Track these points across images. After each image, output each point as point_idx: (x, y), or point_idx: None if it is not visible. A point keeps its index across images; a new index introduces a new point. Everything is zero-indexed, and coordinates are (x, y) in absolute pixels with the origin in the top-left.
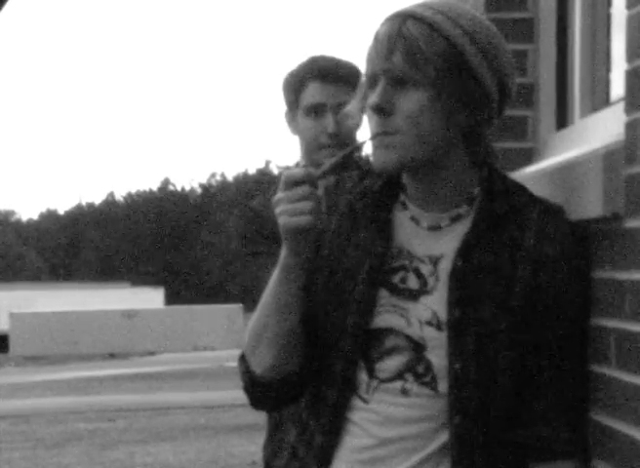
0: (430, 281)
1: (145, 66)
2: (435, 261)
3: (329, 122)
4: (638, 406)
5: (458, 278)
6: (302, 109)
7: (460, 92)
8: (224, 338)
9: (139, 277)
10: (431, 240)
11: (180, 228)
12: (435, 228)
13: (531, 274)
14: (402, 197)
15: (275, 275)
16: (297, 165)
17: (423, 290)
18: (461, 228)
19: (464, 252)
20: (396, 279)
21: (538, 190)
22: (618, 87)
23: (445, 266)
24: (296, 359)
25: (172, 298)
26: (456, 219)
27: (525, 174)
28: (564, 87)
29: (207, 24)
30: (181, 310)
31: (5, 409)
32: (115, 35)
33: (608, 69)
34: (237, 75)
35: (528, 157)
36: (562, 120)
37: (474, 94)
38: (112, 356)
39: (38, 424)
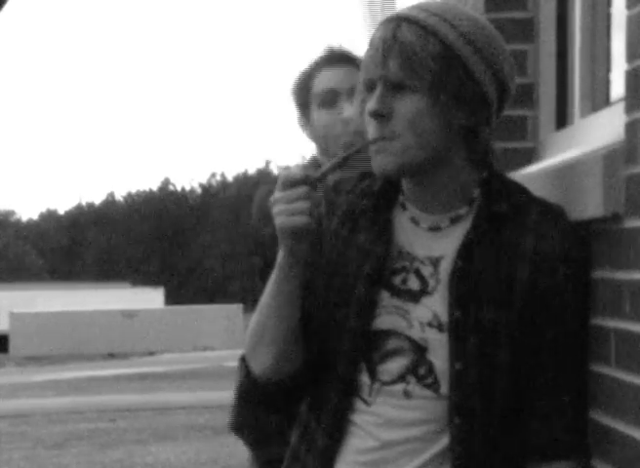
0: (431, 282)
1: (145, 66)
2: (435, 262)
3: (343, 107)
4: (638, 406)
5: (458, 279)
6: (315, 102)
7: (457, 93)
8: (224, 338)
9: (139, 277)
10: (431, 241)
11: (179, 228)
12: (435, 229)
13: (531, 274)
14: (401, 198)
15: (273, 275)
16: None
17: (424, 291)
18: (461, 229)
19: (464, 252)
20: (397, 280)
21: (538, 190)
22: (618, 87)
23: (445, 267)
24: (295, 360)
25: (172, 298)
26: (455, 220)
27: (525, 174)
28: (564, 87)
29: (207, 24)
30: (181, 310)
31: (5, 409)
32: (115, 35)
33: (608, 69)
34: (237, 75)
35: (528, 157)
36: (562, 120)
37: (472, 95)
38: (112, 356)
39: (38, 424)
